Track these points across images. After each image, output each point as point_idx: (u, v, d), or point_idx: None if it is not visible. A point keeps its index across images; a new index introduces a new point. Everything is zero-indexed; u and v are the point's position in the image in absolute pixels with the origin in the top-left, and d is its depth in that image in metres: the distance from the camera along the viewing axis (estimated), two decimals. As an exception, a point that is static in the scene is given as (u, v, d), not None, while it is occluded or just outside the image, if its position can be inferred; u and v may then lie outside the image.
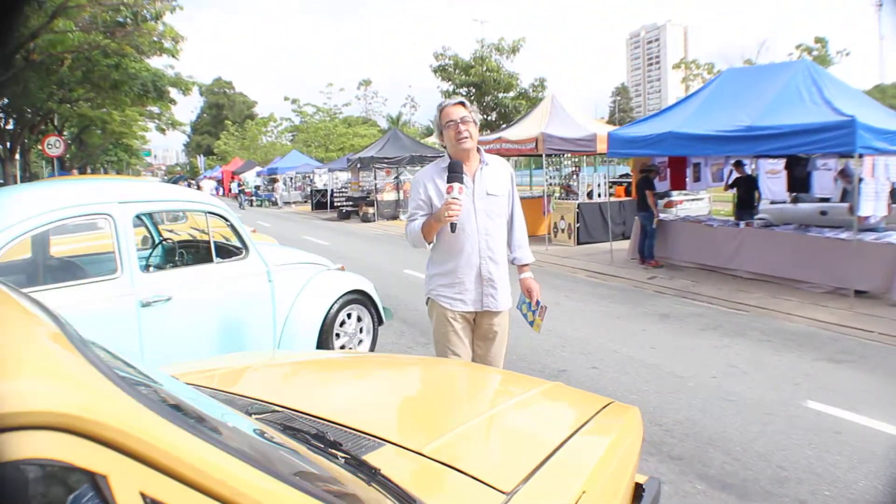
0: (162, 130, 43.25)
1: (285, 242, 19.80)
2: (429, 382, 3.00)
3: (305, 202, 40.79)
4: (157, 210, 5.97)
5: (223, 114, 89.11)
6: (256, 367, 3.16)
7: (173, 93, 29.79)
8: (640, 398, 5.64)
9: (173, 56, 25.02)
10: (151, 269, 5.99)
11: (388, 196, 27.81)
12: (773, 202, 14.31)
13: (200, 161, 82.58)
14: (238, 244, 5.70)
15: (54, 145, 24.13)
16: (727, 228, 11.90)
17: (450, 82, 31.20)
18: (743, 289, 10.44)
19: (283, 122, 60.71)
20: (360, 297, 6.56)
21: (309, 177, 42.97)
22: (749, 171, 13.61)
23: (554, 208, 16.63)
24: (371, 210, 27.13)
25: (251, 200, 43.45)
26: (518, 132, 16.35)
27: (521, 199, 16.29)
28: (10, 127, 26.97)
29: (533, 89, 30.21)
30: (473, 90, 30.64)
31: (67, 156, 40.99)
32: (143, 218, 6.66)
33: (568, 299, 9.91)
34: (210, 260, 5.51)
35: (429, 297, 3.98)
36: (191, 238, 6.65)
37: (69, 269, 5.45)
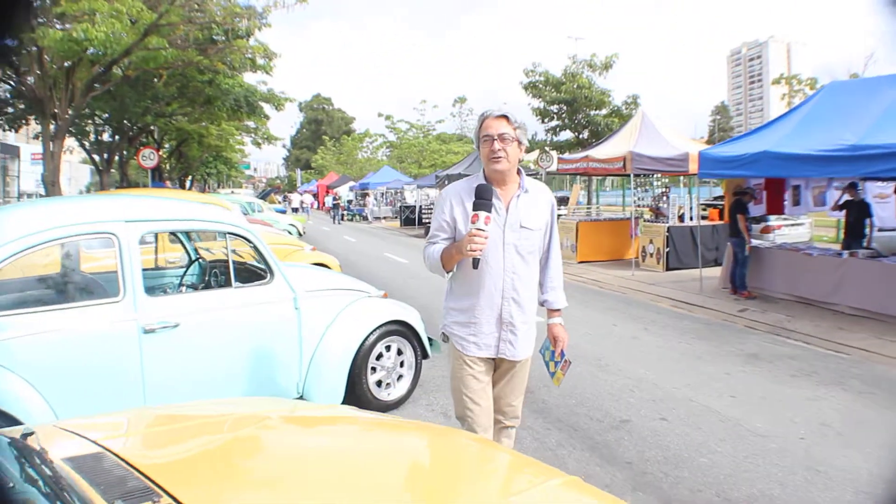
0: (258, 144, 44.26)
1: (366, 259, 19.87)
2: (410, 468, 2.40)
3: (395, 218, 40.83)
4: (168, 229, 5.64)
5: (322, 129, 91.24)
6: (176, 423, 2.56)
7: (267, 108, 30.34)
8: (711, 461, 4.84)
9: (267, 72, 25.41)
10: (168, 291, 5.65)
11: (477, 214, 27.26)
12: (881, 230, 13.02)
13: (298, 175, 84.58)
14: (262, 267, 5.28)
15: (149, 157, 24.87)
16: (828, 258, 10.74)
17: (540, 99, 30.47)
18: (844, 327, 9.31)
19: (378, 138, 61.25)
20: (403, 329, 6.02)
21: (400, 192, 43.08)
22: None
23: (642, 231, 15.73)
24: (458, 227, 26.68)
25: (342, 215, 43.82)
26: (606, 151, 15.56)
27: (609, 220, 15.52)
28: (107, 139, 27.92)
29: (626, 107, 29.10)
30: (564, 107, 29.82)
31: (168, 167, 42.48)
32: (180, 236, 6.38)
33: (647, 332, 9.10)
34: (228, 284, 5.12)
35: (444, 332, 3.49)
36: (224, 258, 6.29)
37: (87, 288, 5.14)
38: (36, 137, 27.56)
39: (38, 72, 17.86)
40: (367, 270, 16.31)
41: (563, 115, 30.38)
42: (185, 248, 6.49)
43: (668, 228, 15.01)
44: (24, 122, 22.70)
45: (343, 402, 5.41)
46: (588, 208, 24.23)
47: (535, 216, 3.36)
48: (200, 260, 6.39)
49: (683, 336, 8.89)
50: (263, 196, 35.40)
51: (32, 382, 4.01)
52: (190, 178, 51.66)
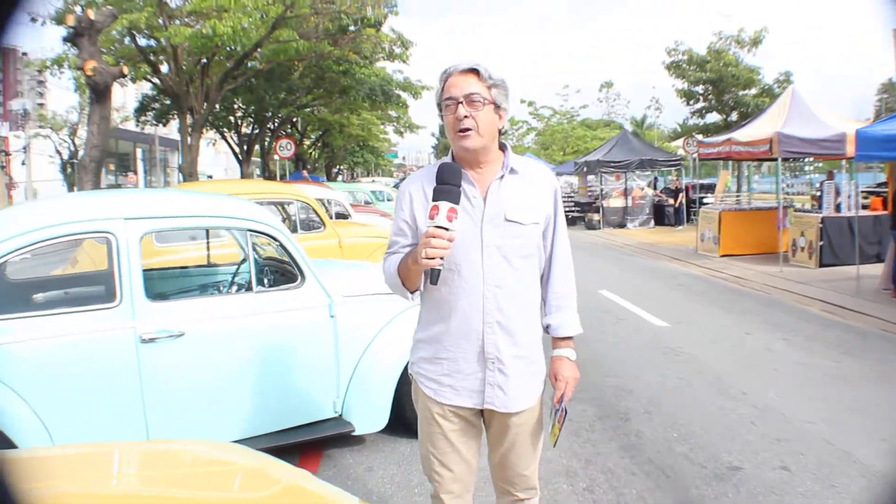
0: (400, 133, 44.47)
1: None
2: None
3: (536, 206, 39.64)
4: (176, 227, 5.12)
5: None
6: None
7: (408, 98, 30.15)
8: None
9: (403, 61, 25.12)
10: (176, 296, 5.06)
11: (615, 202, 25.77)
12: None
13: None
14: (292, 269, 4.56)
15: (286, 147, 25.33)
16: None
17: (683, 80, 28.29)
18: None
19: (522, 125, 60.13)
20: None
21: (542, 180, 41.92)
22: None
23: (791, 222, 13.87)
24: (596, 217, 25.35)
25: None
26: (750, 133, 13.79)
27: (756, 210, 13.53)
28: (247, 131, 28.62)
29: (777, 85, 26.38)
30: (710, 88, 27.48)
31: (313, 158, 43.42)
32: (235, 234, 5.79)
33: (785, 344, 7.67)
34: (249, 288, 4.54)
35: (410, 373, 2.60)
36: (276, 258, 5.62)
37: (86, 292, 4.66)
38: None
39: (174, 68, 18.21)
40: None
41: (709, 97, 28.07)
42: (238, 243, 5.89)
43: (822, 219, 13.07)
44: (171, 116, 23.46)
45: (389, 425, 4.66)
46: (737, 196, 22.19)
47: (528, 206, 2.41)
48: (257, 258, 5.76)
49: (830, 350, 7.40)
50: (399, 185, 35.37)
51: (21, 394, 3.64)
52: (337, 167, 52.71)
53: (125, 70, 12.78)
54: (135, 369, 3.86)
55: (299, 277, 4.50)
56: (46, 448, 3.39)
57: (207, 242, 6.03)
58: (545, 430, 2.63)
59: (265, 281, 5.36)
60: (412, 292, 2.42)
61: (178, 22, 16.67)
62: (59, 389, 3.74)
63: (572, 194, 30.42)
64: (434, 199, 2.19)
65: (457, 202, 2.19)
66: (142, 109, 24.39)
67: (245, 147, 27.97)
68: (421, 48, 25.11)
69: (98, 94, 12.12)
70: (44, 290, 4.83)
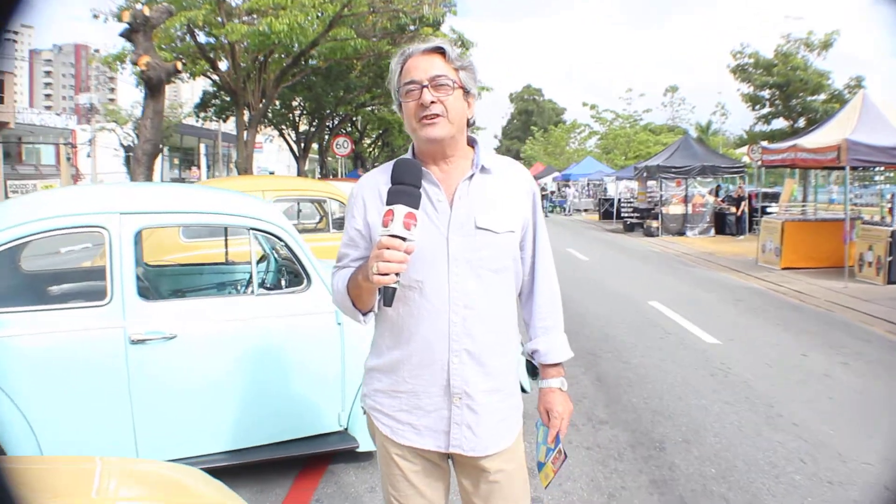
0: (461, 134, 44.15)
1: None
2: None
3: (596, 210, 38.88)
4: (172, 223, 4.89)
5: (532, 120, 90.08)
6: None
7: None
8: None
9: (461, 62, 24.83)
10: (173, 295, 4.81)
11: (675, 209, 24.88)
12: None
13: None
14: (299, 272, 4.26)
15: (342, 145, 25.33)
16: None
17: (749, 84, 27.14)
18: None
19: (585, 129, 59.23)
20: None
21: (602, 184, 41.13)
22: None
23: (859, 235, 13.01)
24: (655, 224, 24.55)
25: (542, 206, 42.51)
26: (816, 139, 13.01)
27: (822, 221, 12.60)
28: (305, 128, 28.75)
29: (848, 91, 25.02)
30: (776, 92, 26.27)
31: (372, 156, 43.48)
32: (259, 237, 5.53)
33: (845, 369, 7.02)
34: (249, 291, 4.30)
35: (363, 405, 2.21)
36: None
37: (80, 288, 4.48)
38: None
39: (232, 65, 18.26)
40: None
41: (776, 101, 26.85)
42: (262, 248, 5.62)
43: (892, 233, 12.20)
44: (230, 112, 23.61)
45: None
46: (803, 206, 21.16)
47: (502, 210, 2.03)
48: (276, 258, 5.49)
49: (894, 378, 6.77)
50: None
51: (6, 390, 3.49)
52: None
53: (179, 66, 12.73)
54: (123, 371, 3.66)
55: (305, 280, 4.19)
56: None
57: (226, 240, 5.80)
58: (536, 467, 2.24)
59: (282, 282, 5.09)
60: (364, 314, 2.04)
61: (236, 20, 16.67)
62: (46, 388, 3.58)
63: (631, 199, 29.65)
64: (388, 203, 1.80)
65: (416, 206, 1.80)
66: (202, 105, 24.67)
67: (302, 144, 28.05)
68: (483, 49, 24.84)
69: (152, 88, 12.13)
70: (39, 284, 4.68)
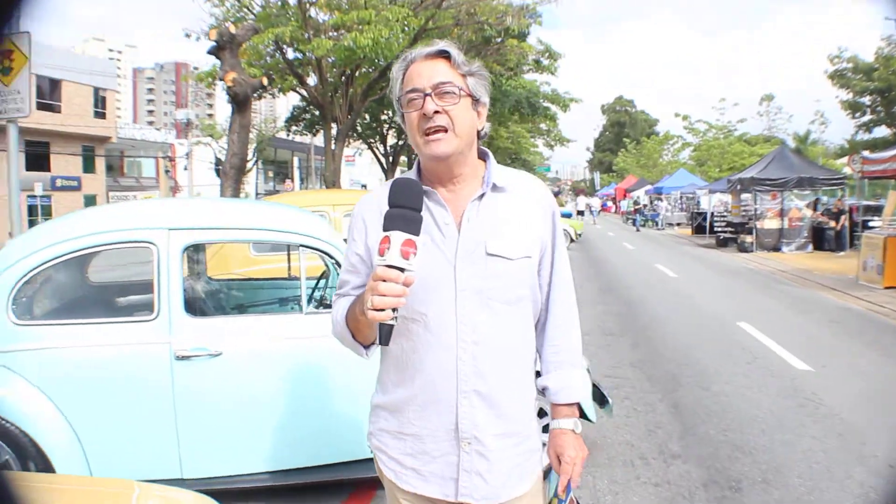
0: (550, 147, 43.70)
1: (627, 270, 17.94)
2: None
3: (689, 224, 37.66)
4: (220, 239, 4.77)
5: (624, 132, 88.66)
6: None
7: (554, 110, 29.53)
8: None
9: (551, 73, 24.57)
10: (221, 312, 4.73)
11: (770, 223, 23.69)
12: None
13: (595, 178, 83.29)
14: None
15: (431, 159, 25.35)
16: None
17: (848, 90, 25.69)
18: None
19: (678, 140, 57.72)
20: None
21: (694, 197, 39.86)
22: None
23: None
24: (749, 239, 23.46)
25: (633, 220, 41.48)
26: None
27: None
28: (393, 142, 28.94)
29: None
30: (878, 98, 24.74)
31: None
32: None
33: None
34: (299, 309, 4.21)
35: (369, 444, 2.02)
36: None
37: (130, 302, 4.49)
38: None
39: (319, 80, 18.51)
40: (616, 284, 14.55)
41: (877, 108, 25.27)
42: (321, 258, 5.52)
43: None
44: (320, 126, 23.97)
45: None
46: (912, 220, 19.77)
47: (517, 233, 1.81)
48: (338, 273, 5.36)
49: None
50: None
51: (56, 401, 3.54)
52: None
53: (265, 81, 12.92)
54: (168, 386, 3.62)
55: (355, 299, 4.02)
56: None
57: (288, 255, 5.71)
58: None
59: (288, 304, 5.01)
60: (367, 347, 1.82)
61: (322, 36, 16.89)
62: (94, 401, 3.60)
63: (725, 213, 28.54)
64: (385, 229, 1.59)
65: (416, 232, 1.58)
66: (292, 119, 25.15)
67: (391, 158, 28.25)
68: (572, 60, 24.51)
69: (238, 103, 12.33)
70: (99, 296, 4.73)
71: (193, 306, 4.44)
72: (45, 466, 3.53)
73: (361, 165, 55.26)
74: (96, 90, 38.84)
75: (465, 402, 1.77)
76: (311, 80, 19.26)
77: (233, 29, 12.14)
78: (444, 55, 1.76)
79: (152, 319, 3.65)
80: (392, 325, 1.59)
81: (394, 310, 1.57)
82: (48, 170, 36.55)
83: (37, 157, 35.69)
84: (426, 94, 1.71)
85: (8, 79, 6.17)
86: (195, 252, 5.26)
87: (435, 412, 1.79)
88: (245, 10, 16.20)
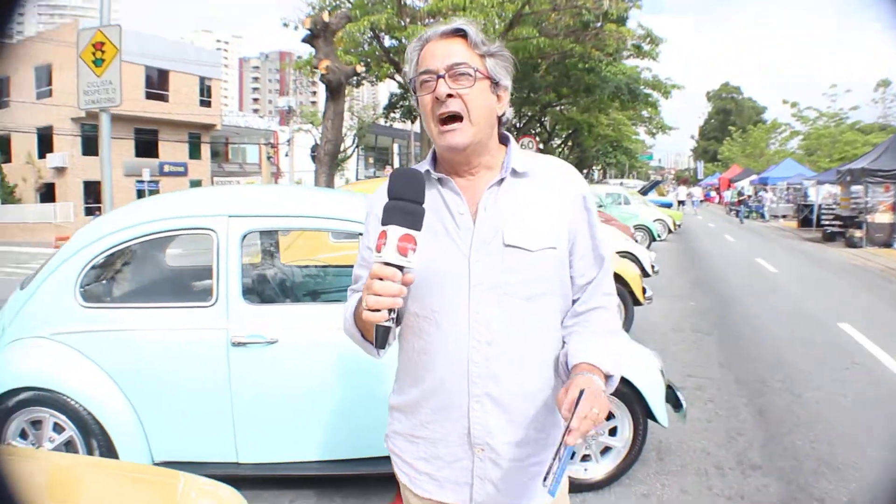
0: (651, 134, 42.53)
1: (726, 263, 17.13)
2: None
3: (795, 217, 35.86)
4: (280, 227, 4.71)
5: (730, 119, 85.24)
6: None
7: (656, 97, 28.75)
8: None
9: (652, 58, 23.87)
10: (303, 297, 4.73)
11: (882, 217, 22.16)
12: None
13: (699, 167, 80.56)
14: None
15: (527, 145, 25.10)
16: None
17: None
18: None
19: (786, 129, 55.06)
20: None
21: (801, 189, 37.93)
22: None
23: None
24: (858, 233, 22.08)
25: (737, 211, 39.83)
26: None
27: None
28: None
29: None
30: None
31: (561, 157, 42.87)
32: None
33: None
34: None
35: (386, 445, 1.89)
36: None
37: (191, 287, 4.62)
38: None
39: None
40: (711, 278, 13.94)
41: None
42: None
43: None
44: (417, 113, 24.12)
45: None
46: None
47: (539, 222, 1.64)
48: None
49: None
50: (647, 191, 33.73)
51: (119, 382, 3.64)
52: (588, 168, 51.46)
53: (360, 68, 12.99)
54: (224, 372, 3.62)
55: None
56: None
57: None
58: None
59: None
60: (381, 347, 1.61)
61: (418, 23, 16.87)
62: (155, 383, 3.66)
63: (833, 206, 27.00)
64: (383, 223, 1.45)
65: (416, 227, 1.44)
66: (390, 106, 25.35)
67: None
68: (675, 45, 23.67)
69: (332, 91, 12.48)
70: (160, 280, 4.79)
71: (254, 293, 4.45)
72: (108, 445, 3.63)
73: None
74: (202, 79, 40.36)
75: (477, 407, 1.64)
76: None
77: (326, 17, 12.26)
78: (461, 34, 1.61)
79: (211, 305, 3.66)
80: (389, 328, 1.47)
81: (391, 311, 1.44)
82: (157, 156, 38.39)
83: (146, 143, 37.60)
84: (439, 76, 1.57)
85: (100, 70, 6.39)
86: (268, 238, 5.28)
87: (447, 416, 1.67)
88: (342, -2, 16.35)
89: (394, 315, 1.45)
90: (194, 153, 41.32)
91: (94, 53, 6.35)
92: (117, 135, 34.83)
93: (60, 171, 34.41)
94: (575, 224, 1.68)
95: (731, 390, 6.27)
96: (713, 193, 64.31)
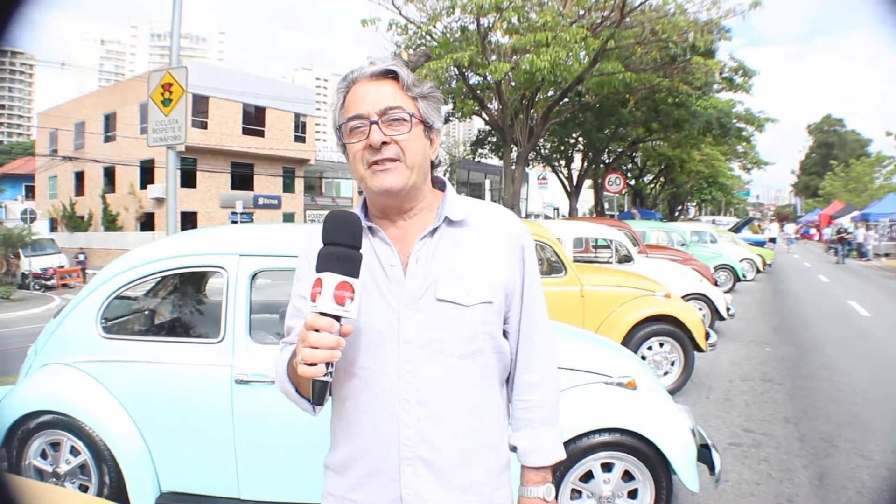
0: (746, 170, 41.06)
1: (821, 306, 15.92)
2: None
3: (902, 255, 33.56)
4: (289, 267, 4.53)
5: (832, 153, 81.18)
6: None
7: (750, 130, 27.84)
8: None
9: (745, 91, 23.11)
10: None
11: None
12: None
13: (797, 203, 77.09)
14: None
15: (614, 182, 24.65)
16: None
17: None
18: None
19: (889, 162, 52.00)
20: (639, 444, 3.77)
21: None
22: None
23: None
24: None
25: (835, 249, 37.60)
26: None
27: None
28: (578, 165, 28.49)
29: None
30: None
31: (652, 194, 41.86)
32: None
33: None
34: None
35: None
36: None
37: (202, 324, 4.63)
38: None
39: (499, 103, 18.49)
40: (793, 322, 13.03)
41: None
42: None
43: None
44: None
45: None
46: None
47: (474, 275, 1.50)
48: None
49: None
50: (738, 228, 32.39)
51: (129, 410, 3.67)
52: (682, 205, 50.01)
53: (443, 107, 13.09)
54: (228, 408, 3.54)
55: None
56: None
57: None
58: None
59: None
60: (317, 403, 1.47)
61: (501, 60, 16.83)
62: (165, 415, 3.65)
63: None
64: (318, 270, 1.33)
65: (354, 274, 1.32)
66: (478, 143, 25.41)
67: (574, 181, 27.78)
68: (770, 77, 22.90)
69: (411, 127, 12.55)
70: (175, 315, 4.79)
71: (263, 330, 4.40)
72: (117, 472, 3.62)
73: (556, 187, 54.92)
74: (297, 116, 41.52)
75: (408, 471, 1.48)
76: (493, 104, 19.25)
77: (404, 56, 12.35)
78: (392, 75, 1.46)
79: (218, 342, 3.61)
80: (326, 382, 1.33)
81: (328, 364, 1.30)
82: (251, 189, 39.50)
83: (242, 177, 38.86)
84: (372, 122, 1.42)
85: (168, 109, 6.58)
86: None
87: (377, 480, 1.51)
88: (427, 36, 16.44)
89: (331, 369, 1.32)
90: (288, 187, 42.39)
91: (162, 94, 6.57)
92: (215, 168, 36.34)
93: (160, 201, 35.66)
94: (514, 277, 1.54)
95: (792, 449, 5.64)
96: (812, 230, 61.25)
